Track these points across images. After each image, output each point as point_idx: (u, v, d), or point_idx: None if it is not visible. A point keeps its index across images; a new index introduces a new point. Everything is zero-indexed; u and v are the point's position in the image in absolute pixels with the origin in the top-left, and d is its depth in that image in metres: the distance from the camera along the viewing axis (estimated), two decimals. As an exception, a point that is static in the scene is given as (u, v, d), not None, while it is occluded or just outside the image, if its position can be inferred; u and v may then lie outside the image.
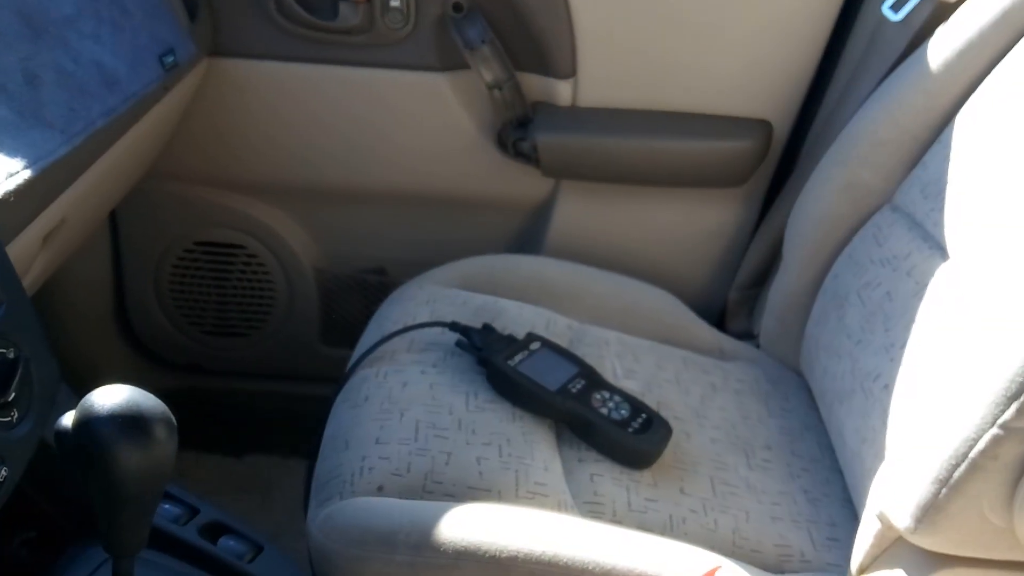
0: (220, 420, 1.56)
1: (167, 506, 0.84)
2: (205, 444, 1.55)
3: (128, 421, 0.64)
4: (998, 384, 0.80)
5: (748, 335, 1.42)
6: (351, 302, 1.50)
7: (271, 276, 1.48)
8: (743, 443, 1.15)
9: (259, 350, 1.54)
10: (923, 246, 1.07)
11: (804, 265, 1.26)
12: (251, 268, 1.48)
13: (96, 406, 0.64)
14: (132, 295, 1.51)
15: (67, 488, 0.82)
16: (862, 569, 0.95)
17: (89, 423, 0.64)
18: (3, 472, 0.71)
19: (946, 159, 1.09)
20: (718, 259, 1.45)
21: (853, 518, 1.01)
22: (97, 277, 1.49)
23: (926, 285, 1.02)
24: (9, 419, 0.73)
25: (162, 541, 0.81)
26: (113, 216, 1.44)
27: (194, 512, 0.85)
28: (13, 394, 0.72)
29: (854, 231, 1.21)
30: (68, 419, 0.65)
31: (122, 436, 0.63)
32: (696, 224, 1.43)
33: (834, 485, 1.13)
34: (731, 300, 1.45)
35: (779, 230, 1.35)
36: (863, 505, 0.99)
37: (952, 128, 1.11)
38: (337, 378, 1.14)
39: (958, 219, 1.03)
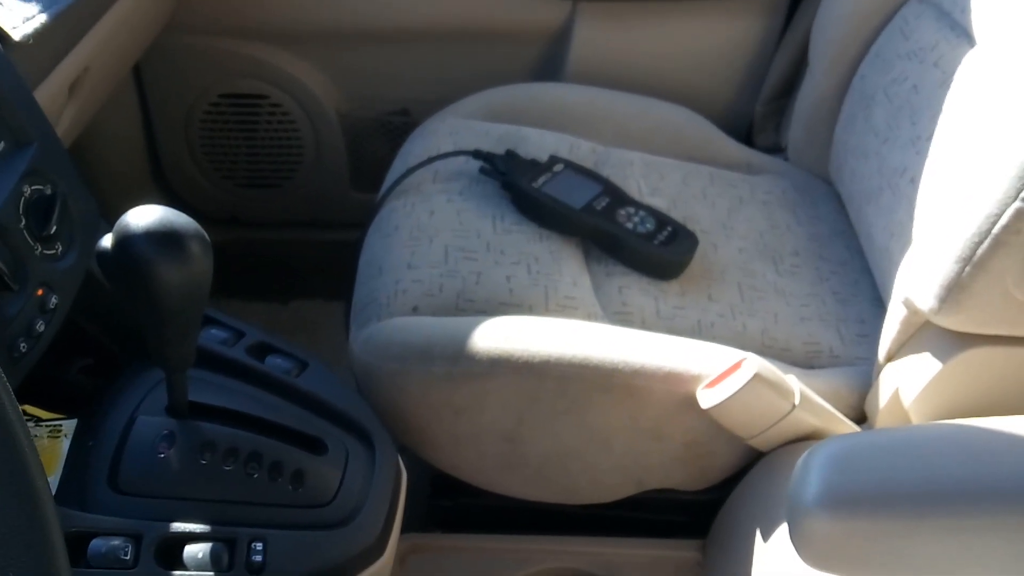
0: (262, 270, 1.60)
1: (213, 330, 0.88)
2: (250, 293, 1.59)
3: (163, 237, 0.67)
4: (1020, 157, 0.80)
5: (776, 149, 1.41)
6: (377, 145, 1.51)
7: (296, 124, 1.49)
8: (771, 251, 1.17)
9: (292, 199, 1.57)
10: (950, 35, 1.05)
11: (830, 68, 1.24)
12: (276, 117, 1.49)
13: (132, 225, 0.67)
14: (165, 152, 1.53)
15: (120, 319, 0.86)
16: (889, 357, 0.97)
17: (126, 241, 0.67)
18: (54, 300, 0.75)
19: (973, -58, 1.06)
20: (743, 73, 1.43)
21: (882, 315, 1.03)
22: (129, 137, 1.51)
23: (952, 73, 1.01)
24: (54, 251, 0.76)
25: (212, 361, 0.85)
26: (138, 74, 1.45)
27: (240, 335, 0.89)
28: (55, 227, 0.75)
29: (880, 28, 1.18)
30: (107, 241, 0.68)
31: (158, 252, 0.66)
32: (719, 38, 1.41)
33: (863, 286, 1.14)
34: (758, 114, 1.43)
35: (804, 37, 1.33)
36: (891, 298, 1.01)
37: (978, -92, 1.07)
38: (365, 224, 1.16)
39: (985, 4, 1.01)
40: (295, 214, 1.59)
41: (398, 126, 1.50)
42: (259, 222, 1.59)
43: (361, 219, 1.18)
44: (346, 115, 1.50)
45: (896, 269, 1.00)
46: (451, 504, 1.13)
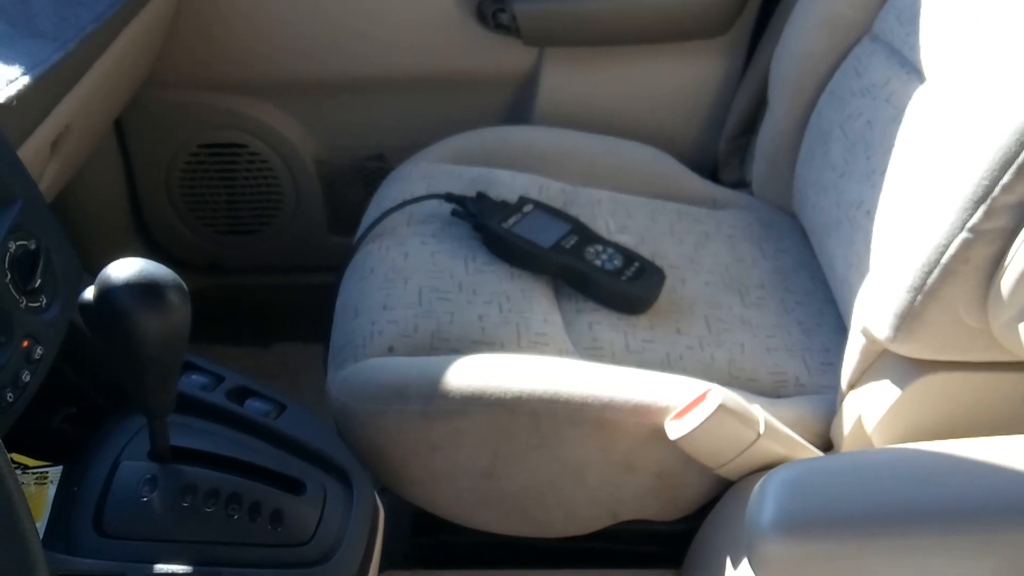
0: (244, 315, 1.63)
1: (194, 376, 0.91)
2: (233, 338, 1.61)
3: (143, 289, 0.70)
4: (966, 189, 0.83)
5: (741, 184, 1.45)
6: (354, 191, 1.55)
7: (275, 172, 1.52)
8: (737, 284, 1.20)
9: (272, 245, 1.60)
10: (900, 72, 1.09)
11: (789, 106, 1.28)
12: (255, 166, 1.52)
13: (112, 277, 0.70)
14: (147, 203, 1.56)
15: (102, 368, 0.89)
16: (851, 385, 1.00)
17: (108, 293, 0.70)
18: (39, 351, 0.77)
19: (919, -18, 1.10)
20: (707, 112, 1.47)
21: (846, 344, 1.06)
22: (111, 189, 1.54)
23: (904, 109, 1.05)
24: (39, 304, 0.79)
25: (192, 406, 0.88)
26: (119, 128, 1.48)
27: (219, 379, 0.92)
28: (39, 281, 0.78)
29: (835, 66, 1.22)
30: (89, 293, 0.71)
31: (139, 303, 0.69)
32: (683, 79, 1.45)
33: (828, 316, 1.17)
34: (722, 151, 1.47)
35: (764, 76, 1.36)
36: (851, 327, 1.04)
37: (924, -49, 1.12)
38: (341, 268, 1.19)
39: (933, 41, 1.05)
40: (275, 259, 1.62)
41: (373, 171, 1.53)
42: (240, 268, 1.62)
43: (340, 263, 1.21)
44: (323, 162, 1.53)
45: (856, 299, 1.04)
46: (432, 542, 1.15)
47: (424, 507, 1.05)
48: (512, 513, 1.03)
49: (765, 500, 0.66)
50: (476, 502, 1.03)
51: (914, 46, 1.08)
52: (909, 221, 0.95)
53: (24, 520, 0.40)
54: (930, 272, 0.86)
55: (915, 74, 1.07)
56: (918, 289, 0.87)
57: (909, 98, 1.05)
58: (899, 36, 1.12)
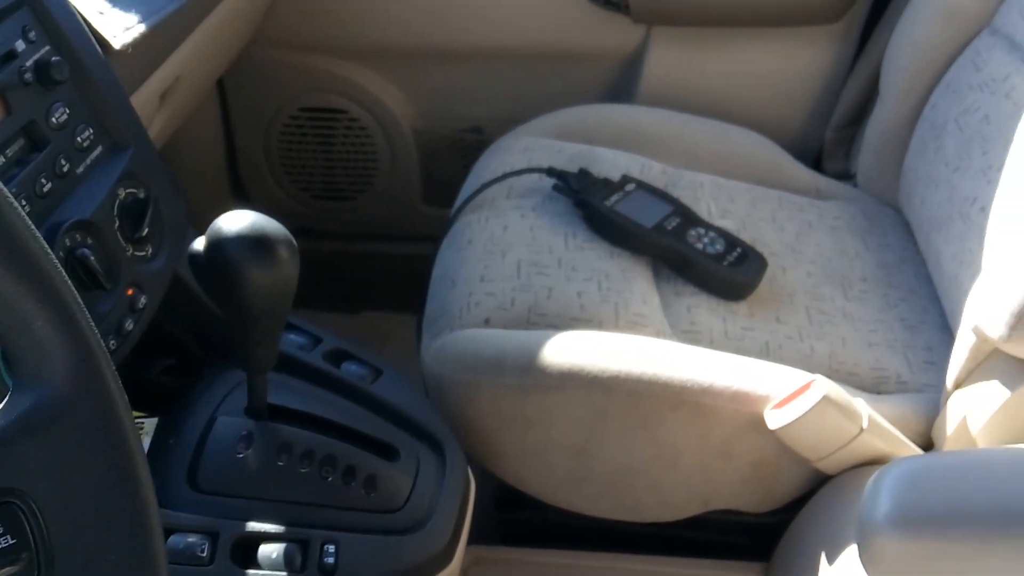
0: (333, 281, 1.64)
1: (292, 336, 0.91)
2: (322, 303, 1.62)
3: (253, 242, 0.70)
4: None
5: (845, 175, 1.41)
6: (449, 161, 1.54)
7: (373, 139, 1.53)
8: (840, 276, 1.17)
9: (366, 212, 1.60)
10: (1022, 67, 1.05)
11: (902, 97, 1.24)
12: (353, 132, 1.53)
13: (224, 229, 0.70)
14: (244, 163, 1.58)
15: (202, 321, 0.89)
16: (958, 384, 0.96)
17: (218, 244, 0.70)
18: (143, 300, 0.78)
19: (1046, -24, 1.06)
20: (814, 100, 1.43)
21: (950, 343, 1.03)
22: (210, 148, 1.55)
23: (1024, 104, 1.01)
24: (145, 253, 0.80)
25: (290, 366, 0.88)
26: (221, 85, 1.50)
27: (317, 340, 0.92)
28: (147, 230, 0.79)
29: (952, 59, 1.19)
30: (200, 243, 0.71)
31: (249, 255, 0.69)
32: (791, 65, 1.41)
33: (932, 313, 1.14)
34: (828, 140, 1.43)
35: (876, 66, 1.33)
36: (959, 326, 1.00)
37: (1051, -57, 1.07)
38: (439, 237, 1.19)
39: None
40: (368, 227, 1.62)
41: (471, 143, 1.52)
42: (332, 234, 1.63)
43: (432, 233, 1.20)
44: (421, 131, 1.53)
45: (965, 297, 1.00)
46: (515, 518, 1.15)
47: (512, 482, 1.04)
48: (602, 494, 1.02)
49: (881, 493, 0.64)
50: (566, 480, 1.01)
51: (1037, 41, 1.04)
52: (1031, 219, 0.91)
53: (142, 471, 0.40)
54: None
55: (1038, 70, 1.02)
56: (1037, 288, 0.83)
57: (1031, 94, 1.01)
58: (1021, 31, 1.08)
